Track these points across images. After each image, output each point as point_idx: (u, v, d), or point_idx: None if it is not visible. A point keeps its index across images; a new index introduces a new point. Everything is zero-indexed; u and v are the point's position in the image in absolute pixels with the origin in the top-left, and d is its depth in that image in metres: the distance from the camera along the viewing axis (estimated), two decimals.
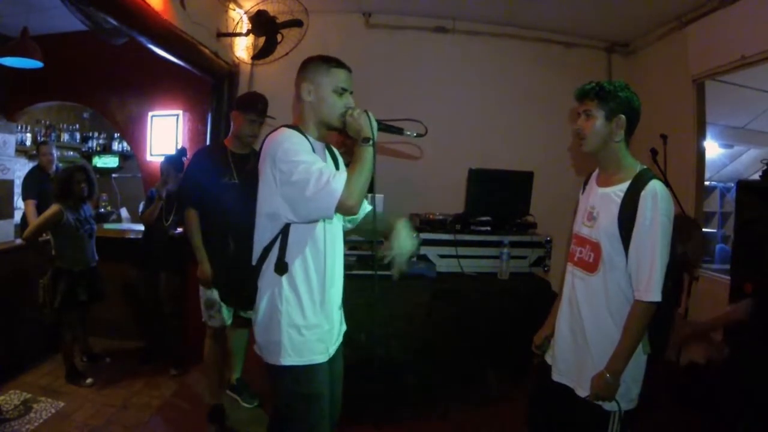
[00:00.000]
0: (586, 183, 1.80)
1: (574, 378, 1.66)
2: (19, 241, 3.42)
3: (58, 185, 3.23)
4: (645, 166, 1.60)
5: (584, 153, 1.65)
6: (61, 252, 3.16)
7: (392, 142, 3.95)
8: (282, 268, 1.48)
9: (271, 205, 1.45)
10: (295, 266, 1.49)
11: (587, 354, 1.61)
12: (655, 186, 1.49)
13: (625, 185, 1.55)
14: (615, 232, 1.53)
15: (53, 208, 3.12)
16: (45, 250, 3.21)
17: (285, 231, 1.48)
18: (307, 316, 1.51)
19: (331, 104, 1.54)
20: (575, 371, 1.66)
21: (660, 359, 1.75)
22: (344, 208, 1.36)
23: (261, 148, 1.51)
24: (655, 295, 1.46)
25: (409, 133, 1.62)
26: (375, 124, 1.49)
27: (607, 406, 1.56)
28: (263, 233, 1.50)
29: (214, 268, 2.48)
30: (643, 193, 1.49)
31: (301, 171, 1.36)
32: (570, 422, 1.69)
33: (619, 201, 1.54)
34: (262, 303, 1.52)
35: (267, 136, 1.51)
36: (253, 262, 1.53)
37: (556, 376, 1.73)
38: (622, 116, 1.56)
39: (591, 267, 1.61)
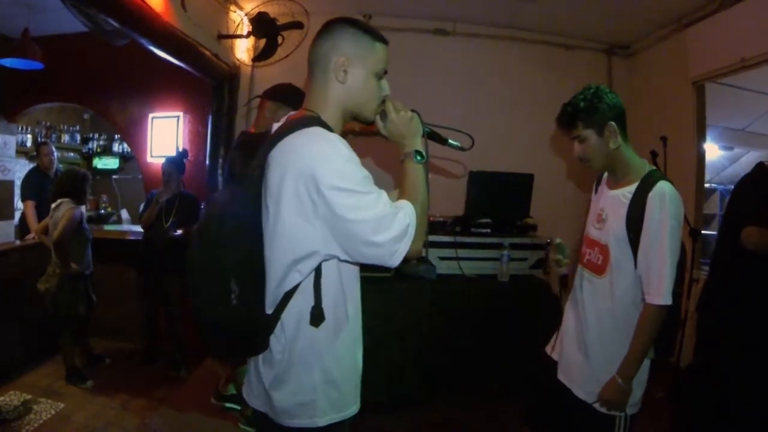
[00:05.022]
0: (598, 183, 1.78)
1: (573, 379, 1.66)
2: (18, 242, 3.43)
3: (73, 184, 3.22)
4: (654, 167, 1.58)
5: (597, 172, 1.66)
6: (78, 255, 3.15)
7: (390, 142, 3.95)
8: (318, 317, 1.11)
9: (302, 241, 1.07)
10: (331, 312, 1.13)
11: (587, 356, 1.61)
12: (663, 187, 1.46)
13: (633, 187, 1.52)
14: (623, 235, 1.51)
15: (72, 209, 3.08)
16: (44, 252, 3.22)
17: (318, 271, 1.11)
18: (346, 366, 1.19)
19: (370, 91, 1.19)
20: (575, 372, 1.66)
21: (666, 363, 1.75)
22: (411, 256, 1.09)
23: (268, 153, 1.11)
24: (666, 299, 1.43)
25: (453, 143, 1.36)
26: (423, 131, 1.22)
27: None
28: (285, 274, 1.10)
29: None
30: (650, 194, 1.46)
31: (364, 206, 1.03)
32: (573, 425, 1.68)
33: (627, 203, 1.51)
34: (284, 362, 1.13)
35: (284, 137, 1.09)
36: (268, 310, 1.13)
37: (560, 375, 1.72)
38: (611, 123, 1.53)
39: (599, 269, 1.59)
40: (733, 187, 2.51)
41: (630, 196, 1.52)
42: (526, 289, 3.05)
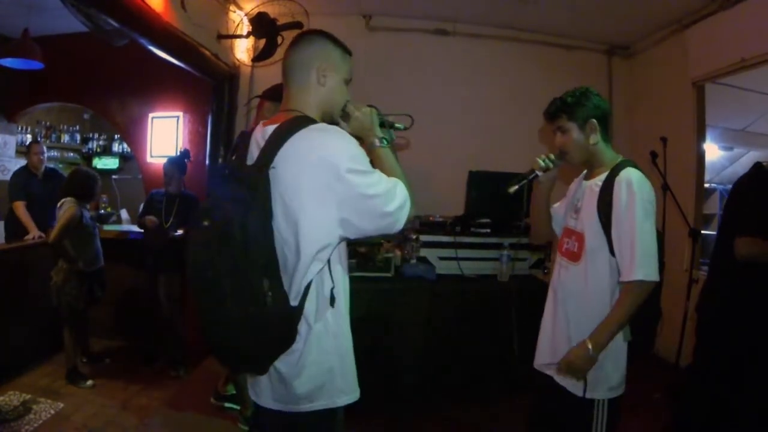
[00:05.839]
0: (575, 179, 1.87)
1: (550, 365, 1.69)
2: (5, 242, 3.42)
3: (78, 184, 3.23)
4: (625, 159, 1.65)
5: (575, 165, 1.72)
6: (82, 253, 3.16)
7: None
8: (333, 299, 1.23)
9: (324, 229, 1.17)
10: (339, 293, 1.25)
11: (563, 341, 1.65)
12: (629, 172, 1.53)
13: (604, 176, 1.61)
14: (596, 221, 1.58)
15: (71, 208, 3.10)
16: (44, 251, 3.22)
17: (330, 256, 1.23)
18: (351, 345, 1.31)
19: (339, 93, 1.34)
20: (550, 357, 1.70)
21: (645, 355, 1.77)
22: (408, 222, 1.24)
23: (275, 154, 1.17)
24: (640, 273, 1.44)
25: (398, 126, 1.53)
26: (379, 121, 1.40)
27: (588, 393, 1.57)
28: (310, 264, 1.19)
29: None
30: (617, 179, 1.54)
31: (377, 182, 1.18)
32: (555, 412, 1.71)
33: (598, 191, 1.60)
34: (306, 348, 1.21)
35: (288, 137, 1.18)
36: (294, 303, 1.18)
37: (536, 363, 1.78)
38: (593, 120, 1.62)
39: (575, 256, 1.66)
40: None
41: (601, 184, 1.60)
42: (526, 289, 3.04)
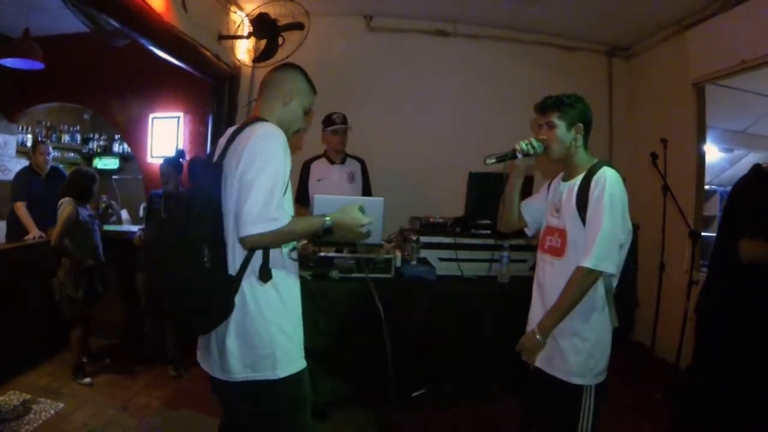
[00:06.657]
0: (552, 180, 1.97)
1: (542, 357, 1.74)
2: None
3: (77, 184, 3.25)
4: (600, 160, 1.77)
5: (552, 160, 1.81)
6: (83, 250, 3.17)
7: (391, 143, 3.96)
8: (267, 274, 1.40)
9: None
10: (278, 270, 1.43)
11: (551, 333, 1.69)
12: (604, 171, 1.66)
13: (582, 175, 1.73)
14: (576, 217, 1.68)
15: (68, 208, 3.11)
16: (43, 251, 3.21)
17: None
18: (294, 322, 1.50)
19: (296, 116, 1.61)
20: (543, 350, 1.74)
21: (625, 342, 1.85)
22: (258, 241, 1.33)
23: (229, 146, 1.45)
24: (591, 262, 1.55)
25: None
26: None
27: (578, 380, 1.66)
28: (233, 234, 1.40)
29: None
30: (594, 177, 1.66)
31: (263, 176, 1.34)
32: (548, 400, 1.77)
33: (576, 189, 1.71)
34: (245, 319, 1.40)
35: (241, 131, 1.46)
36: (232, 272, 1.39)
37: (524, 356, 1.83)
38: (580, 124, 1.74)
39: (559, 252, 1.75)
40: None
41: (579, 183, 1.72)
42: (526, 290, 3.04)
